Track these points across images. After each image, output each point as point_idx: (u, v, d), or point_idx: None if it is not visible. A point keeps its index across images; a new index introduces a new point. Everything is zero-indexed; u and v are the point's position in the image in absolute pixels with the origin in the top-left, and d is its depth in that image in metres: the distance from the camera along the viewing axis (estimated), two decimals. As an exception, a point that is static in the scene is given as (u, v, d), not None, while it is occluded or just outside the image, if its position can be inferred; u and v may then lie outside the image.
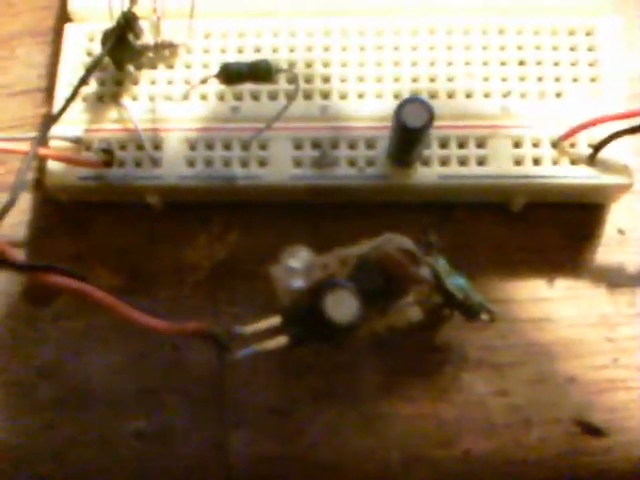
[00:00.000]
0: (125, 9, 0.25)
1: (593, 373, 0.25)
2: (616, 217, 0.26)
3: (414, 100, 0.23)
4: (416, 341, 0.25)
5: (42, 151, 0.25)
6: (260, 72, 0.23)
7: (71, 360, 0.26)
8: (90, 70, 0.25)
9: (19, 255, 0.25)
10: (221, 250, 0.27)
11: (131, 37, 0.26)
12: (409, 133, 0.23)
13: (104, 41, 0.26)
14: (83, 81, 0.26)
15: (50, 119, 0.25)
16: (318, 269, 0.22)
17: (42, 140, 0.25)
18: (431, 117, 0.23)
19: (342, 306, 0.21)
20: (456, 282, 0.24)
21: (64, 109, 0.25)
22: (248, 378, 0.25)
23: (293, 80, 0.25)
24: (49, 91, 0.29)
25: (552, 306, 0.26)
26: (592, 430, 0.24)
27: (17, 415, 0.25)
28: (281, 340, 0.21)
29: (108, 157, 0.25)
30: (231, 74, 0.23)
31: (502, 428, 0.24)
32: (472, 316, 0.24)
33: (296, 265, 0.22)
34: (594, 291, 0.26)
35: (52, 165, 0.26)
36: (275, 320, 0.21)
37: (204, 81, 0.25)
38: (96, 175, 0.26)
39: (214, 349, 0.22)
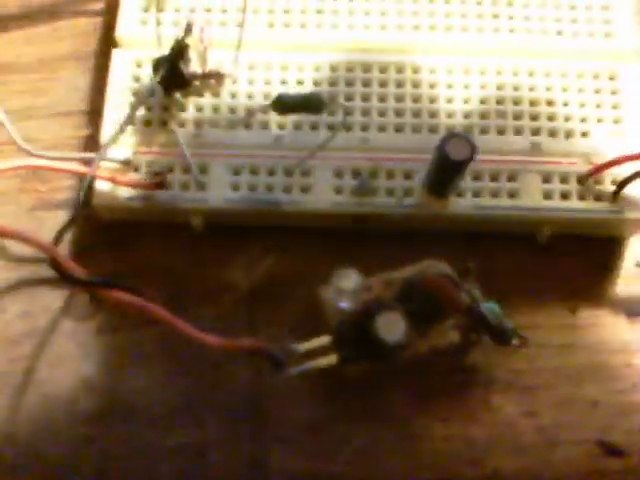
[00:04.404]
0: (179, 38, 0.27)
1: (614, 397, 0.26)
2: (635, 251, 0.28)
3: (458, 135, 0.24)
4: (446, 363, 0.27)
5: (101, 172, 0.26)
6: (312, 104, 0.24)
7: (113, 374, 0.27)
8: (141, 95, 0.26)
9: (80, 271, 0.26)
10: (259, 272, 0.28)
11: (182, 65, 0.27)
12: (451, 166, 0.24)
13: (155, 67, 0.27)
14: (136, 107, 0.27)
15: (104, 142, 0.27)
16: (365, 291, 0.23)
17: (99, 161, 0.26)
18: (473, 151, 0.24)
19: (391, 327, 0.22)
20: (490, 308, 0.25)
21: (119, 132, 0.26)
22: (286, 396, 0.26)
23: (345, 112, 0.26)
24: (90, 114, 0.30)
25: (576, 333, 0.27)
26: (614, 451, 0.26)
27: (58, 427, 0.26)
28: (331, 359, 0.22)
29: (160, 179, 0.26)
30: (285, 104, 0.24)
31: (530, 448, 0.26)
32: (504, 341, 0.25)
33: (345, 286, 0.23)
34: (615, 320, 0.27)
35: (101, 185, 0.27)
36: (325, 339, 0.23)
37: (259, 111, 0.26)
38: (145, 196, 0.27)
39: (261, 366, 0.23)
